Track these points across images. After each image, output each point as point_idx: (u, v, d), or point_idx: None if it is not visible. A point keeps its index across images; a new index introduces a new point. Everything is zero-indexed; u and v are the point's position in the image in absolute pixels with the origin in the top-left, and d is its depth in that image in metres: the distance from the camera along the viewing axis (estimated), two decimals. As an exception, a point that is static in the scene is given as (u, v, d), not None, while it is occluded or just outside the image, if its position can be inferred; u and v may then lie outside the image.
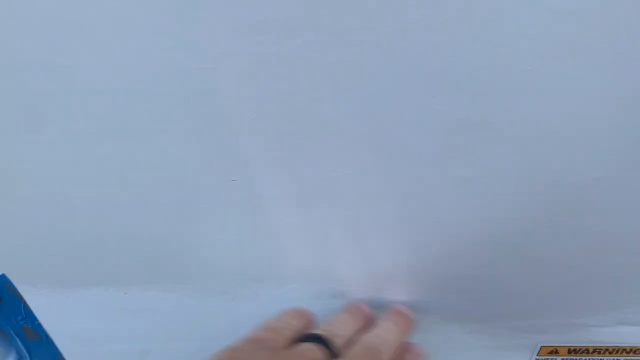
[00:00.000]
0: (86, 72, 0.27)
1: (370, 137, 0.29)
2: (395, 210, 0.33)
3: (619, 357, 0.44)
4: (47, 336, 0.42)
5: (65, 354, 0.43)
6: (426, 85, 0.26)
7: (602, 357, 0.44)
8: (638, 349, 0.43)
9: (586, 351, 0.43)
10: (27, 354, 0.45)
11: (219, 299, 0.38)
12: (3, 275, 0.37)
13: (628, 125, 0.27)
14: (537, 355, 0.44)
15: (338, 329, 0.32)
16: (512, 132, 0.28)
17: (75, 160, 0.31)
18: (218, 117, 0.29)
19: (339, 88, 0.27)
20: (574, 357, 0.44)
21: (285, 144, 0.30)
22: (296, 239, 0.35)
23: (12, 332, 0.40)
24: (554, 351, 0.44)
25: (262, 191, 0.32)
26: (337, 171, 0.31)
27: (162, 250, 0.36)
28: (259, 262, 0.36)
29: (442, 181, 0.31)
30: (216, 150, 0.30)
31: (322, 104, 0.28)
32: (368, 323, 0.34)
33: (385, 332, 0.32)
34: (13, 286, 0.38)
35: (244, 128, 0.29)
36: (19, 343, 0.41)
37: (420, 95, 0.27)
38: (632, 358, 0.44)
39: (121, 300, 0.39)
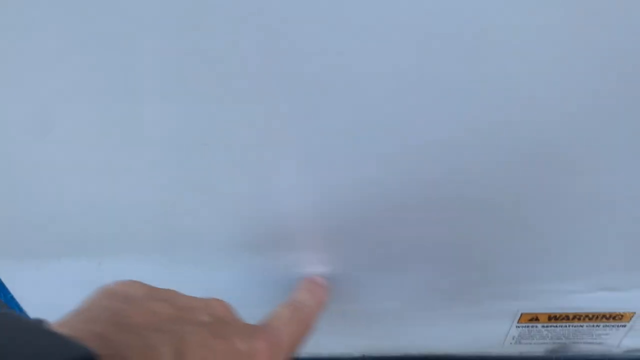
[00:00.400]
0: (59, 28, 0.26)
1: (336, 104, 0.28)
2: (370, 173, 0.32)
3: (598, 324, 0.44)
4: (20, 310, 0.41)
5: (39, 327, 0.42)
6: (394, 39, 0.26)
7: (582, 324, 0.44)
8: (618, 315, 0.43)
9: (566, 318, 0.44)
10: None
11: (196, 268, 0.37)
12: (-29, 247, 0.36)
13: (605, 83, 0.27)
14: (517, 322, 0.44)
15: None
16: (485, 90, 0.27)
17: (43, 124, 0.30)
18: (191, 78, 0.28)
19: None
20: (555, 324, 0.44)
21: (263, 106, 0.29)
22: (274, 207, 0.34)
23: (-17, 305, 0.39)
24: (535, 318, 0.44)
25: (236, 156, 0.31)
26: (326, 133, 0.30)
27: (137, 219, 0.35)
28: (237, 230, 0.36)
29: (416, 143, 0.30)
30: (189, 113, 0.29)
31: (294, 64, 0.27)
32: None
33: (303, 300, 0.34)
34: (-18, 258, 0.37)
35: (219, 90, 0.28)
36: (-9, 317, 0.40)
37: (388, 50, 0.26)
38: (612, 324, 0.44)
39: (95, 271, 0.38)
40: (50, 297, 0.40)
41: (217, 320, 0.26)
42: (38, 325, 0.19)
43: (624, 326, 0.44)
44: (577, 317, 0.44)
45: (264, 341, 0.27)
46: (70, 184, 0.33)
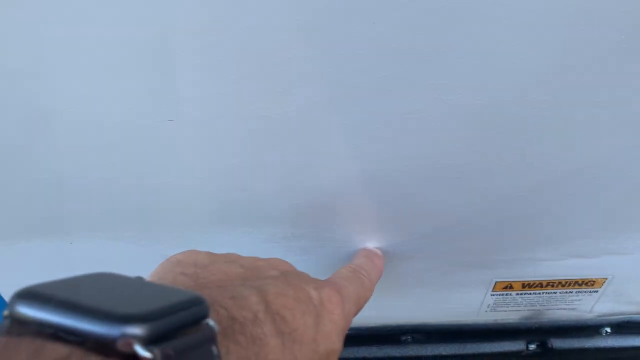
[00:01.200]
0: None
1: (323, 71, 0.28)
2: (348, 145, 0.32)
3: (571, 290, 0.45)
4: (-7, 291, 0.41)
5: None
6: (365, 9, 0.25)
7: (555, 290, 0.45)
8: (589, 281, 0.44)
9: (540, 285, 0.44)
10: (-26, 310, 0.44)
11: (168, 245, 0.37)
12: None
13: (582, 46, 0.27)
14: (492, 290, 0.45)
15: None
16: (459, 59, 0.27)
17: (8, 104, 0.29)
18: (155, 53, 0.27)
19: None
20: (528, 291, 0.45)
21: (231, 79, 0.28)
22: (246, 181, 0.34)
23: (-45, 287, 0.39)
24: (509, 286, 0.44)
25: (204, 130, 0.31)
26: (291, 107, 0.29)
27: (107, 197, 0.35)
28: (208, 206, 0.35)
29: (391, 114, 0.30)
30: (152, 89, 0.29)
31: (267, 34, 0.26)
32: None
33: (362, 265, 0.35)
34: (-50, 240, 0.36)
35: (184, 64, 0.27)
36: (-36, 298, 0.39)
37: (361, 22, 0.25)
38: (584, 290, 0.45)
39: (67, 250, 0.38)
40: (23, 278, 0.40)
41: (285, 273, 0.27)
42: (141, 280, 0.19)
43: (596, 292, 0.45)
44: (551, 284, 0.44)
45: (332, 289, 0.28)
46: (40, 162, 0.33)
